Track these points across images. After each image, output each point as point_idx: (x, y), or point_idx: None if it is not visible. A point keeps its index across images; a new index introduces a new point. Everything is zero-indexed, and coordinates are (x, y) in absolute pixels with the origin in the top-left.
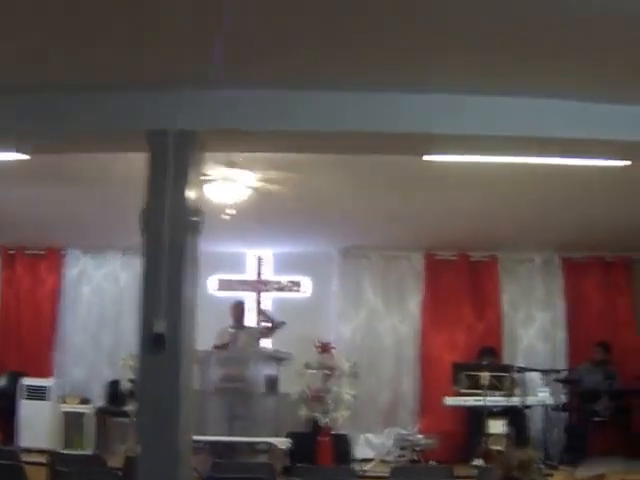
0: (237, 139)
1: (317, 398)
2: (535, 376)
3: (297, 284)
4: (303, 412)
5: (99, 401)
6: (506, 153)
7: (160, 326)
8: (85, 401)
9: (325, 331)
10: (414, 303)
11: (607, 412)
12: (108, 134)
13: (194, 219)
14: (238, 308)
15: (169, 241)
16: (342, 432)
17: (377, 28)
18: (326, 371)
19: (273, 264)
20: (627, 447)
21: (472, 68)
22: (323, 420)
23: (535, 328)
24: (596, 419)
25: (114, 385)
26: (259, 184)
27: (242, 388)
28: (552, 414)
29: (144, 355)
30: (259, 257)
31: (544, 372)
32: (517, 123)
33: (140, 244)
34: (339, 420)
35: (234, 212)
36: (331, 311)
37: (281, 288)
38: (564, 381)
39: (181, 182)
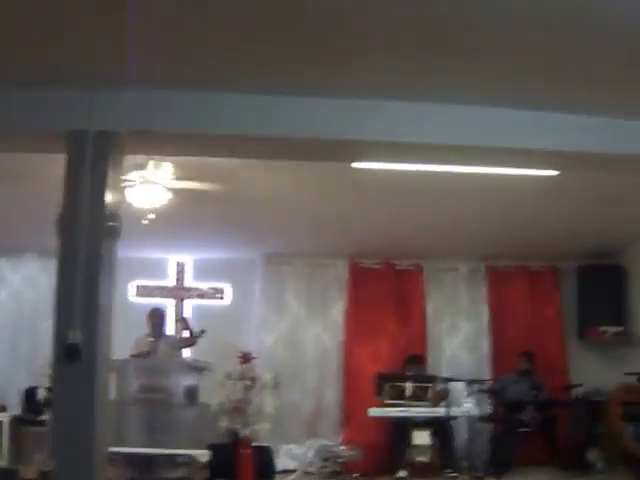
0: (159, 141)
1: (238, 409)
2: (460, 386)
3: (218, 291)
4: (224, 423)
5: (15, 409)
6: (434, 161)
7: (75, 336)
8: (2, 409)
9: (246, 340)
10: (338, 312)
11: (533, 422)
12: (25, 134)
13: (112, 224)
14: (156, 316)
15: (85, 246)
16: (264, 444)
17: (302, 28)
18: (247, 382)
19: (193, 270)
20: (552, 457)
21: (401, 73)
22: (244, 432)
23: (460, 338)
24: (522, 430)
25: (30, 393)
26: (180, 187)
27: (161, 399)
28: (477, 425)
29: (58, 365)
30: (180, 263)
31: (469, 382)
32: (447, 131)
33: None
34: (260, 432)
35: (154, 216)
36: (253, 319)
37: (202, 295)
38: (489, 391)
39: (99, 185)
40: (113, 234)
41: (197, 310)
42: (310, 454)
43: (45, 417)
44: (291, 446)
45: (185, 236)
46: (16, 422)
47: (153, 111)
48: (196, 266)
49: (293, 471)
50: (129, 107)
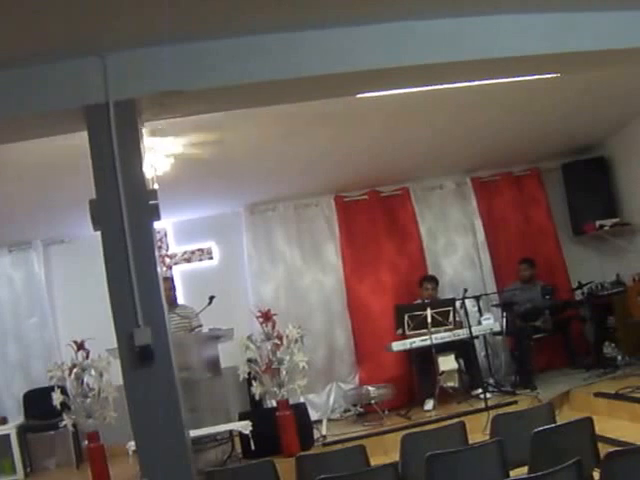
0: (184, 101)
1: (270, 371)
2: (468, 304)
3: (205, 251)
4: (257, 390)
5: (17, 417)
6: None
7: (144, 336)
8: (3, 420)
9: (244, 296)
10: (332, 250)
11: (548, 327)
12: (33, 117)
13: (153, 202)
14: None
15: (131, 233)
16: (299, 401)
17: None
18: (276, 341)
19: (174, 235)
20: (571, 359)
21: None
22: (280, 393)
23: (458, 255)
24: (538, 336)
25: (31, 397)
26: (180, 151)
27: (185, 377)
28: (493, 339)
29: (130, 370)
30: (159, 230)
31: (477, 298)
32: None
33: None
34: (297, 391)
35: (157, 187)
36: (246, 274)
37: (188, 259)
38: (502, 305)
39: (134, 161)
40: (156, 214)
41: (186, 275)
42: (330, 401)
43: (61, 420)
44: (310, 396)
45: (163, 200)
46: (23, 431)
47: (173, 70)
48: (176, 230)
49: (318, 421)
50: (146, 69)
